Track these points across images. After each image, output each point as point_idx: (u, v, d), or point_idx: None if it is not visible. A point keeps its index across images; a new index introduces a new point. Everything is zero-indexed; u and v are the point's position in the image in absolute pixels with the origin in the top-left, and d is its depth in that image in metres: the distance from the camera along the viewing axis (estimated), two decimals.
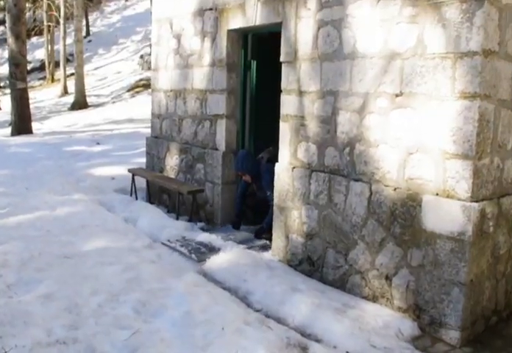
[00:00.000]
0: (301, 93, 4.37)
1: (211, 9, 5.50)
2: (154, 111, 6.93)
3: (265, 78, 5.63)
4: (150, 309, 3.38)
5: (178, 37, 6.20)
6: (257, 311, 3.55)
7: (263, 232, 5.13)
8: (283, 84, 4.54)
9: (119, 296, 3.53)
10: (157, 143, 6.81)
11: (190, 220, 5.90)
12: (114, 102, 17.71)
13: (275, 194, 4.72)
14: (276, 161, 4.65)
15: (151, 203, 6.74)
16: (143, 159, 8.54)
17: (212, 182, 5.69)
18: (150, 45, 21.75)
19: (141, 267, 4.06)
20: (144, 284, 3.73)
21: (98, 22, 28.94)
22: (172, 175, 6.48)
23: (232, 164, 5.59)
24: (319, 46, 4.14)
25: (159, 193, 6.82)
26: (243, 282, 3.93)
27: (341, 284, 4.08)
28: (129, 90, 18.52)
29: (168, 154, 6.55)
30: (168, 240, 4.96)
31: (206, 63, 5.67)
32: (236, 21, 5.07)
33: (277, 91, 5.63)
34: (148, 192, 6.92)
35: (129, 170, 6.90)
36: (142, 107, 15.74)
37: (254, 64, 5.51)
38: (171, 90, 6.46)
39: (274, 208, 4.74)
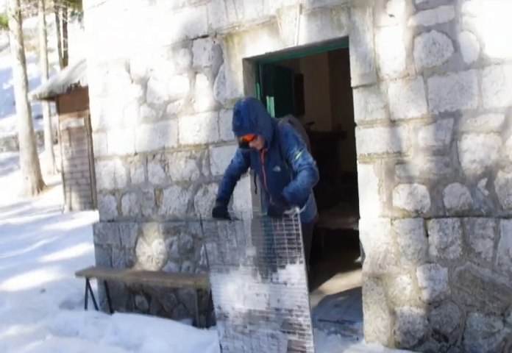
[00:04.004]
0: (393, 123, 4.04)
1: (205, 36, 4.99)
2: (104, 186, 6.00)
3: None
4: None
5: (143, 82, 5.55)
6: None
7: (286, 202, 3.46)
8: (359, 116, 4.20)
9: None
10: (117, 229, 5.80)
11: (194, 325, 4.95)
12: None
13: (363, 260, 4.17)
14: (297, 123, 3.88)
15: (111, 311, 5.61)
16: (58, 256, 7.44)
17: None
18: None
19: None
20: None
21: None
22: (153, 268, 5.47)
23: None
24: (418, 59, 3.94)
25: (128, 296, 5.70)
26: None
27: None
28: None
29: (142, 239, 5.56)
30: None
31: (203, 108, 5.09)
32: (260, 46, 4.68)
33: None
34: (107, 298, 5.75)
35: (79, 274, 5.70)
36: None
37: (271, 101, 5.06)
38: (135, 154, 5.63)
39: (364, 279, 4.19)
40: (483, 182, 3.76)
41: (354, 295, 4.93)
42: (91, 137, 12.31)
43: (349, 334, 4.39)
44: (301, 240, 3.46)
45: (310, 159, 3.57)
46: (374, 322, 4.17)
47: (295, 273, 3.52)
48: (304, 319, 3.51)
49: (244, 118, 3.50)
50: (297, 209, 3.44)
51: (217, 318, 3.97)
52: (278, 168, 3.74)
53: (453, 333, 3.86)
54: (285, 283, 3.58)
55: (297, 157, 3.55)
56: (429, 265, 3.94)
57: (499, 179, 3.70)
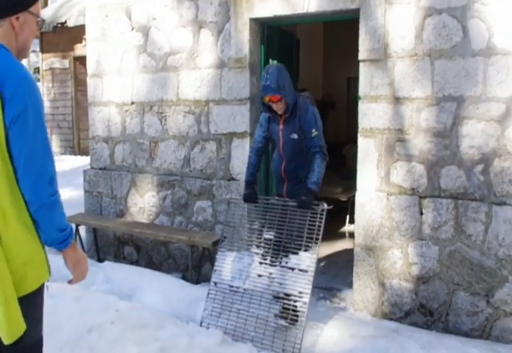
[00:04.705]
0: (397, 100, 4.10)
1: None
2: (97, 133, 5.96)
3: None
4: None
5: (144, 30, 5.43)
6: None
7: (314, 194, 3.81)
8: (364, 90, 4.24)
9: None
10: (108, 177, 5.82)
11: (184, 279, 5.10)
12: None
13: (356, 232, 4.30)
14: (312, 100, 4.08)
15: (99, 259, 5.70)
16: None
17: (228, 225, 4.96)
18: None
19: None
20: None
21: None
22: (144, 219, 5.55)
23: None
24: (427, 40, 3.98)
25: (117, 246, 5.80)
26: None
27: (482, 332, 3.97)
28: None
29: (135, 190, 5.60)
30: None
31: (205, 64, 5.03)
32: (269, 8, 4.63)
33: None
34: (95, 246, 5.83)
35: (68, 220, 5.58)
36: None
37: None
38: (132, 103, 5.58)
39: (356, 250, 4.34)
40: (479, 167, 3.90)
41: (340, 263, 5.14)
42: (75, 80, 12.18)
43: (336, 301, 4.64)
44: (321, 233, 3.70)
45: (323, 141, 3.88)
46: (364, 292, 4.38)
47: (305, 260, 3.72)
48: (302, 305, 3.65)
49: (273, 79, 3.71)
50: (325, 205, 3.76)
51: (208, 295, 4.04)
52: (295, 136, 3.93)
53: (439, 309, 4.10)
54: (293, 269, 3.76)
55: (313, 135, 3.84)
56: (421, 242, 4.13)
57: (495, 166, 3.85)
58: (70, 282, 2.31)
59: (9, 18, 2.01)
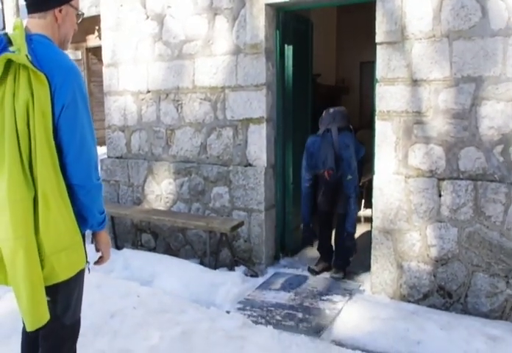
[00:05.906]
0: (415, 82, 4.05)
1: None
2: (113, 122, 5.95)
3: (300, 68, 5.18)
4: None
5: (159, 19, 5.39)
6: None
7: (353, 234, 4.77)
8: (381, 72, 4.18)
9: None
10: (125, 166, 5.80)
11: (202, 264, 5.10)
12: None
13: (374, 215, 4.27)
14: (348, 128, 4.73)
15: (117, 247, 5.71)
16: None
17: (246, 210, 4.99)
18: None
19: None
20: None
21: None
22: (161, 207, 5.54)
23: (271, 181, 4.95)
24: (445, 21, 3.91)
25: (134, 234, 5.81)
26: (416, 345, 3.44)
27: (502, 313, 3.93)
28: None
29: (152, 178, 5.59)
30: (249, 308, 4.15)
31: (221, 51, 4.99)
32: None
33: (314, 85, 5.20)
34: (113, 233, 5.84)
35: None
36: None
37: (289, 50, 4.98)
38: (147, 91, 5.55)
39: (374, 233, 4.29)
40: (499, 148, 3.84)
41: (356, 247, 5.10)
42: (88, 71, 12.18)
43: (354, 284, 4.62)
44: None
45: (355, 183, 4.64)
46: (382, 275, 4.35)
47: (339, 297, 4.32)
48: (333, 311, 3.92)
49: (328, 157, 4.48)
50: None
51: (240, 302, 4.26)
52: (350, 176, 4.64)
53: (457, 290, 4.06)
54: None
55: (348, 179, 4.61)
56: (440, 224, 4.08)
57: None
58: (97, 262, 2.36)
59: (52, 9, 2.10)
